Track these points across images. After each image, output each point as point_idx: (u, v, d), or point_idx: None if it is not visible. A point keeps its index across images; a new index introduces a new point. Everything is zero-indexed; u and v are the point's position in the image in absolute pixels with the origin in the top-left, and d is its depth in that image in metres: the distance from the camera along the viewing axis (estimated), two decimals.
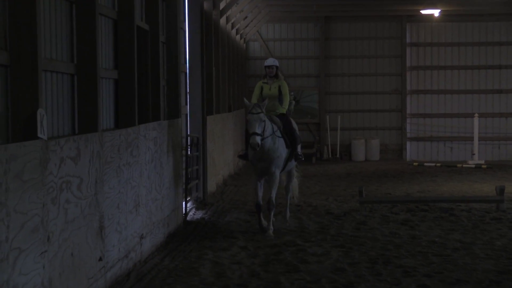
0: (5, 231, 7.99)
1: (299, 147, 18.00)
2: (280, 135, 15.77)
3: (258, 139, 14.63)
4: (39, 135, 9.89)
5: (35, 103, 10.03)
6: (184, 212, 19.64)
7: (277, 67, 16.57)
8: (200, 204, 22.14)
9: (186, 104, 23.05)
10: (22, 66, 9.93)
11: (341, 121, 42.46)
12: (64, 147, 10.05)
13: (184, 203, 19.85)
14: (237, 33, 35.80)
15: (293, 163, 17.84)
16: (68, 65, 12.25)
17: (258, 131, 14.67)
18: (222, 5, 27.99)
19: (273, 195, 16.18)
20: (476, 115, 40.09)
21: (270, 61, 16.56)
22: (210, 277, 13.11)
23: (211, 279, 12.94)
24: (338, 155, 41.74)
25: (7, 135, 9.92)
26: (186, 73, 23.03)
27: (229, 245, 15.85)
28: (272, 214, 16.67)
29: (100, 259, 11.62)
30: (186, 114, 22.86)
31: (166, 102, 19.39)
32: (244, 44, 39.49)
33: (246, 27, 36.94)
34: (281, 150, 15.66)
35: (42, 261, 9.11)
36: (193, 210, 21.03)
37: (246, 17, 35.75)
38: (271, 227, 16.48)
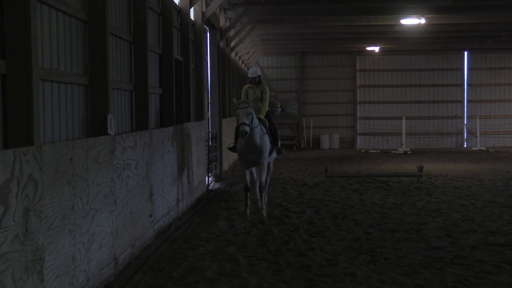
0: (86, 196, 8.04)
1: (279, 142, 15.72)
2: (266, 132, 13.85)
3: (246, 128, 12.74)
4: (108, 132, 9.92)
5: (106, 110, 10.04)
6: (207, 183, 19.63)
7: (259, 75, 14.44)
8: (217, 178, 22.10)
9: (208, 110, 22.99)
10: (98, 86, 9.96)
11: (313, 122, 42.17)
12: (126, 140, 10.11)
13: (207, 177, 19.85)
14: (242, 63, 35.70)
15: (273, 156, 15.32)
16: (128, 85, 12.25)
17: (246, 122, 12.81)
18: (232, 44, 27.96)
19: (263, 179, 14.17)
20: (404, 118, 40.30)
21: (252, 72, 14.40)
22: (224, 227, 13.17)
23: (225, 229, 12.97)
24: (311, 145, 41.71)
25: (87, 132, 9.94)
26: (208, 90, 22.98)
27: (237, 206, 15.83)
28: (264, 194, 14.59)
29: (150, 216, 11.66)
30: (208, 118, 22.83)
31: (195, 109, 19.37)
32: (247, 70, 39.35)
33: (248, 58, 36.83)
34: (267, 145, 13.72)
35: (111, 217, 9.16)
36: (213, 182, 20.98)
37: (248, 52, 35.67)
38: (264, 207, 14.29)
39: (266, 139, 13.66)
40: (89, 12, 10.07)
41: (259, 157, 13.77)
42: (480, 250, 10.92)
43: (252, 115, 13.31)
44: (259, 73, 14.11)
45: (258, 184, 14.50)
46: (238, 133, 13.37)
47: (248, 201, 14.21)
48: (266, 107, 14.40)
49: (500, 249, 11.02)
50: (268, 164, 15.44)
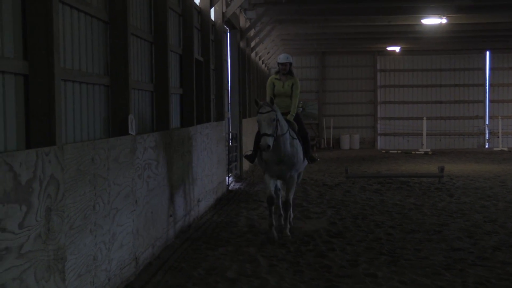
0: (107, 196, 8.07)
1: (310, 147, 12.63)
2: (296, 137, 10.81)
3: (268, 140, 9.91)
4: (129, 132, 9.95)
5: (127, 110, 10.09)
6: (227, 183, 19.64)
7: (290, 63, 11.46)
8: (238, 178, 22.11)
9: (228, 111, 23.01)
10: (118, 86, 10.03)
11: (333, 122, 42.28)
12: (146, 140, 10.13)
13: (227, 177, 19.83)
14: (262, 63, 35.73)
15: (304, 164, 12.32)
16: (149, 85, 12.28)
17: (269, 132, 9.93)
18: (252, 44, 27.96)
19: (291, 196, 11.18)
20: (425, 118, 40.11)
21: (283, 58, 11.43)
22: (244, 227, 13.20)
23: (245, 229, 13.00)
24: (331, 145, 41.71)
25: (109, 132, 9.99)
26: (228, 90, 23.03)
27: (257, 206, 15.86)
28: (290, 213, 11.60)
29: (171, 216, 11.68)
30: (228, 118, 22.84)
31: (215, 109, 19.41)
32: (267, 70, 39.36)
33: (268, 58, 36.83)
34: (300, 154, 10.82)
35: (132, 217, 9.18)
36: (233, 182, 21.01)
37: (268, 52, 35.66)
38: (288, 225, 11.52)
39: (298, 146, 10.88)
40: (110, 12, 10.11)
41: (289, 169, 10.95)
42: (503, 252, 10.87)
43: (277, 121, 10.31)
44: (291, 60, 11.35)
45: (283, 200, 11.56)
46: (258, 144, 10.94)
47: (274, 220, 11.37)
48: (296, 106, 11.42)
49: None
50: (299, 173, 12.81)
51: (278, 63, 11.22)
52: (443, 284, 8.93)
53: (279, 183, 11.81)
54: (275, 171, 11.18)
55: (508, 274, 9.40)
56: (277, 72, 10.88)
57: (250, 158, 12.16)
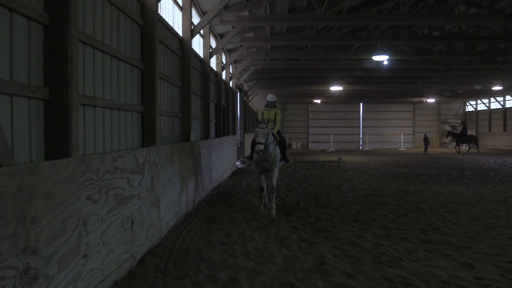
0: (179, 171, 7.94)
1: (286, 152, 9.85)
2: (277, 144, 9.10)
3: (261, 146, 8.43)
4: (191, 139, 9.91)
5: (189, 129, 9.98)
6: (237, 165, 19.43)
7: (275, 101, 9.61)
8: (241, 162, 22.01)
9: (238, 129, 22.87)
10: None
11: (289, 136, 41.64)
12: (200, 144, 10.05)
13: (237, 162, 19.64)
14: (254, 106, 35.67)
15: (281, 163, 9.78)
16: (200, 117, 12.22)
17: (262, 140, 8.49)
18: (250, 98, 27.91)
19: (274, 183, 8.98)
20: (331, 134, 39.92)
21: (271, 97, 9.49)
22: (245, 186, 12.96)
23: (245, 186, 12.81)
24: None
25: (181, 140, 9.91)
26: (238, 120, 22.96)
27: (251, 175, 15.62)
28: (274, 196, 8.98)
29: (210, 180, 11.56)
30: (238, 133, 22.75)
31: (231, 128, 19.36)
32: (256, 110, 39.11)
33: (257, 104, 36.67)
34: (278, 155, 9.10)
35: (193, 180, 9.01)
36: (239, 164, 20.90)
37: (257, 102, 35.44)
38: (273, 205, 8.84)
39: (277, 150, 9.01)
40: (182, 81, 10.01)
41: (272, 164, 8.91)
42: (368, 198, 10.84)
43: (268, 134, 8.71)
44: (275, 99, 9.47)
45: (269, 186, 9.12)
46: (253, 148, 9.10)
47: (262, 199, 9.31)
48: (278, 126, 9.41)
49: (379, 196, 10.91)
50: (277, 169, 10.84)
51: (267, 100, 9.34)
52: (339, 213, 8.88)
53: (263, 177, 9.28)
54: (262, 166, 8.97)
55: (370, 208, 9.36)
56: (266, 106, 9.30)
57: (249, 157, 9.77)
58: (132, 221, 5.27)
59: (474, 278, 4.98)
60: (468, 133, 32.25)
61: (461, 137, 30.88)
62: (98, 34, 5.51)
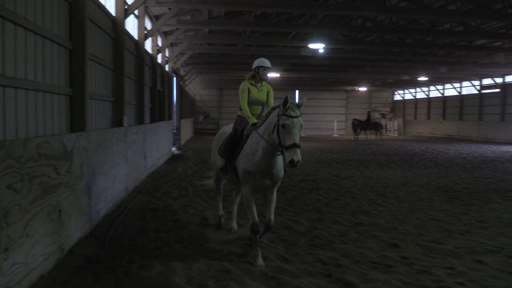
0: (112, 157, 7.75)
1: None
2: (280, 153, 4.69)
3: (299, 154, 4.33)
4: (124, 125, 9.61)
5: (122, 114, 9.73)
6: (172, 151, 19.21)
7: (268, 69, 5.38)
8: (178, 148, 21.73)
9: (174, 115, 22.55)
10: (118, 102, 9.58)
11: (226, 122, 41.50)
12: (133, 129, 9.78)
13: (173, 148, 19.38)
14: (190, 92, 35.18)
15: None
16: (134, 101, 11.91)
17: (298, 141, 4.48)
18: (186, 83, 27.48)
19: (273, 215, 4.91)
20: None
21: (268, 62, 5.29)
22: (181, 172, 12.80)
23: (181, 172, 12.65)
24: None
25: (113, 125, 9.61)
26: (174, 104, 22.57)
27: (187, 162, 15.60)
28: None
29: (145, 167, 11.34)
30: (174, 118, 22.39)
31: (167, 114, 18.99)
32: (194, 95, 38.76)
33: (194, 89, 36.35)
34: (283, 166, 4.95)
35: (125, 167, 8.85)
36: (175, 150, 20.64)
37: (194, 87, 35.12)
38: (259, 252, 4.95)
39: (281, 160, 4.98)
40: (115, 64, 9.71)
41: (275, 181, 4.91)
42: (303, 183, 11.05)
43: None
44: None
45: (264, 221, 5.08)
46: (230, 150, 5.38)
47: (259, 249, 4.97)
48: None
49: (313, 181, 11.16)
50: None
51: (259, 67, 5.34)
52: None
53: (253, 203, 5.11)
54: (257, 184, 4.82)
55: (306, 193, 9.55)
56: (252, 77, 5.39)
57: (223, 169, 5.49)
58: (60, 211, 5.01)
59: (400, 257, 5.33)
60: (372, 121, 33.36)
61: (366, 124, 32.28)
62: (20, 10, 5.18)
